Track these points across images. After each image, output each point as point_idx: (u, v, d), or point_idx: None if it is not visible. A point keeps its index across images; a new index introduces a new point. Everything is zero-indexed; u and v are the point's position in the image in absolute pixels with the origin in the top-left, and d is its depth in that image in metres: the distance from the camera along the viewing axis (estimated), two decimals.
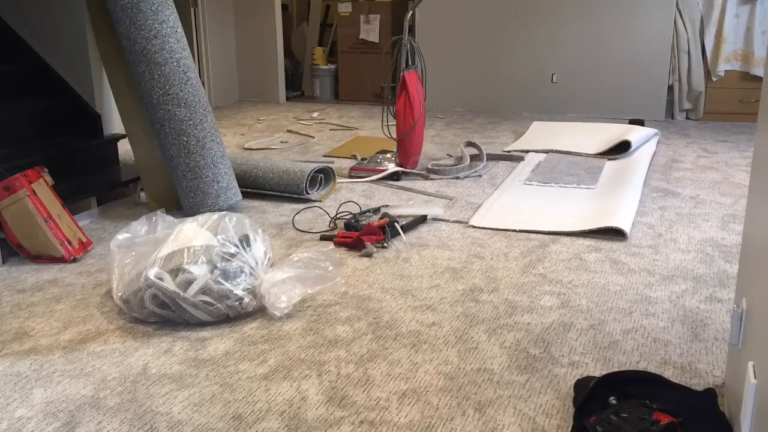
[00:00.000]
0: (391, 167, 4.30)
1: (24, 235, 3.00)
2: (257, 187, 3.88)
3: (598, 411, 1.72)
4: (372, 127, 5.93)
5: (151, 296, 2.37)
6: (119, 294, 2.47)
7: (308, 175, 3.80)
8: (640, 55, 5.96)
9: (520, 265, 2.93)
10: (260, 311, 2.50)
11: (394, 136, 4.34)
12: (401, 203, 3.75)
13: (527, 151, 4.85)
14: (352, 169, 4.35)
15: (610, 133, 4.96)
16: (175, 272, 2.38)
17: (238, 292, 2.41)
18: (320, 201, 3.82)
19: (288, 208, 3.71)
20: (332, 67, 7.57)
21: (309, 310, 2.52)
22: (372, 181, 4.22)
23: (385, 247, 3.11)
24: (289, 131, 5.77)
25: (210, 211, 3.49)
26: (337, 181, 4.15)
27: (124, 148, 3.99)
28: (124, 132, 3.76)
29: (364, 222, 3.25)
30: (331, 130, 5.84)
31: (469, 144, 4.91)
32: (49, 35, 3.95)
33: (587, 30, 6.10)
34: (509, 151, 4.83)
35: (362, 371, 2.11)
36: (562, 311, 2.50)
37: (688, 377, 2.06)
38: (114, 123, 4.08)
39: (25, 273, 2.91)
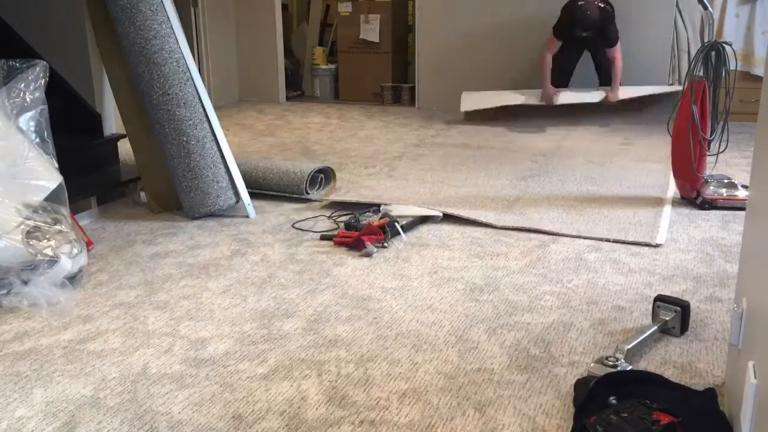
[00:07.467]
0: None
1: None
2: (257, 187, 3.88)
3: (598, 411, 1.72)
4: (372, 127, 5.93)
5: None
6: None
7: (308, 176, 3.80)
8: (640, 55, 5.96)
9: (520, 265, 2.92)
10: (260, 311, 2.50)
11: None
12: (401, 203, 3.74)
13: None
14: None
15: None
16: None
17: None
18: (320, 201, 3.82)
19: (288, 208, 3.71)
20: (332, 66, 7.57)
21: (309, 310, 2.52)
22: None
23: (385, 247, 3.11)
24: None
25: (210, 210, 3.50)
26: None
27: (124, 148, 3.99)
28: (124, 132, 3.76)
29: (364, 222, 3.25)
30: (330, 130, 5.85)
31: None
32: (49, 35, 3.94)
33: None
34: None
35: (362, 371, 2.11)
36: (562, 311, 2.50)
37: (688, 377, 2.06)
38: (114, 123, 4.08)
39: None
